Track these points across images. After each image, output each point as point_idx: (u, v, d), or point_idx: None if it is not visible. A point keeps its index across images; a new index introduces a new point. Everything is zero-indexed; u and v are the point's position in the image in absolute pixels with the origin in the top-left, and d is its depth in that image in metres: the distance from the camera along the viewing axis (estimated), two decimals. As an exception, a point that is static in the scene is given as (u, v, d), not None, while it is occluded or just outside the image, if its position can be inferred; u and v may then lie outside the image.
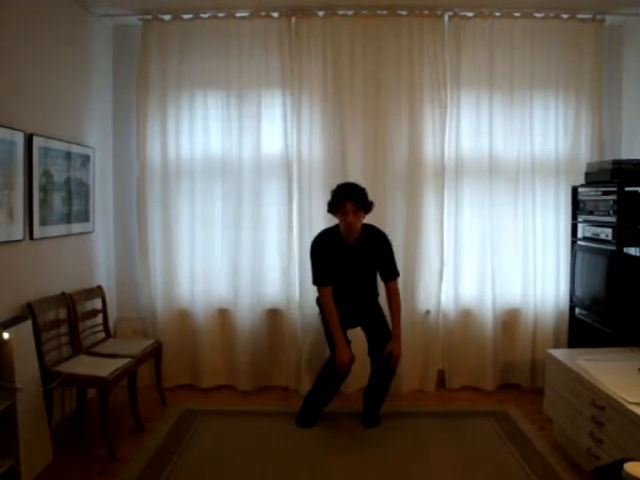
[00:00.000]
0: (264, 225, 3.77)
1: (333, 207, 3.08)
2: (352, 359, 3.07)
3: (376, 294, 3.26)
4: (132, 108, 3.82)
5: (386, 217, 3.71)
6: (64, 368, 2.83)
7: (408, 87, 3.69)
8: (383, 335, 3.14)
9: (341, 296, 3.14)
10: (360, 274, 3.17)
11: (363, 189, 3.09)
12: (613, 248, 3.09)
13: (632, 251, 3.31)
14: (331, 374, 3.13)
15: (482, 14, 3.67)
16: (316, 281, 3.15)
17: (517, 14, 3.68)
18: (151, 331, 3.81)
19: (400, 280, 3.68)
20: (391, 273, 3.19)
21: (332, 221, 3.24)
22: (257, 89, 3.73)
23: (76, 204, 3.40)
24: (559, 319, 3.76)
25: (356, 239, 3.12)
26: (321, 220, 3.55)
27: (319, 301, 3.18)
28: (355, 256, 3.12)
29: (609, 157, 3.64)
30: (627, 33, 3.78)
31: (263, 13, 3.67)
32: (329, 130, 3.72)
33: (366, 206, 3.07)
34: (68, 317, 3.13)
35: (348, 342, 3.15)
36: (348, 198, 2.99)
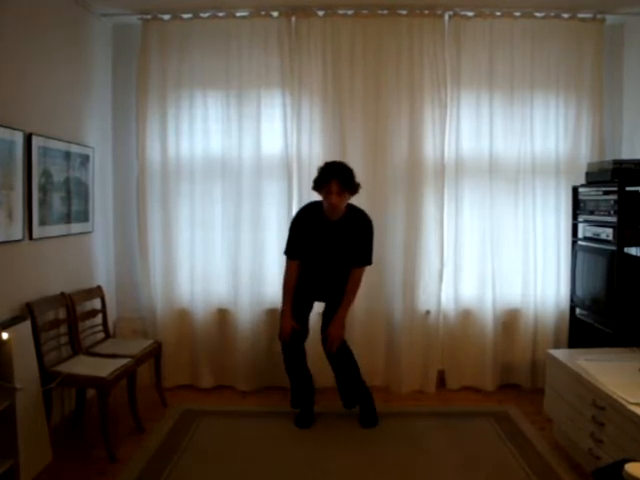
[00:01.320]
0: (264, 225, 3.77)
1: (318, 185, 3.06)
2: (294, 330, 3.11)
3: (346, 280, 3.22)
4: (132, 108, 3.82)
5: (386, 217, 3.71)
6: (63, 368, 2.83)
7: (408, 87, 3.68)
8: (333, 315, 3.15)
9: (313, 271, 3.17)
10: (335, 253, 3.15)
11: (350, 170, 3.05)
12: (614, 248, 3.09)
13: (633, 251, 3.30)
14: (284, 349, 3.20)
15: (482, 14, 3.67)
16: (288, 252, 3.18)
17: (517, 14, 3.67)
18: (151, 331, 3.81)
19: (400, 280, 3.71)
20: (362, 259, 3.14)
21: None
22: (257, 89, 3.73)
23: (75, 204, 3.39)
24: (559, 319, 3.76)
25: (339, 219, 3.10)
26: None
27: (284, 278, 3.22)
28: (334, 235, 3.11)
29: (610, 157, 3.63)
30: (628, 33, 3.78)
31: (263, 13, 3.67)
32: (329, 130, 3.72)
33: (352, 187, 3.03)
34: (67, 317, 3.13)
35: (309, 310, 3.24)
36: (334, 177, 2.96)
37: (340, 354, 3.15)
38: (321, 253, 3.15)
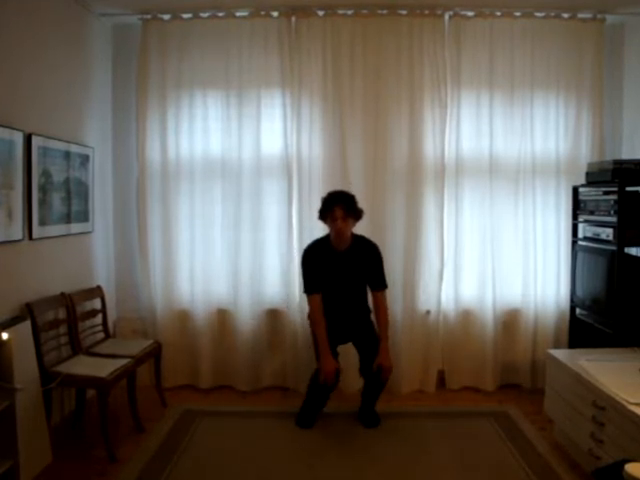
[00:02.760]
0: (264, 225, 3.77)
1: (323, 213, 3.12)
2: (338, 370, 3.05)
3: (367, 309, 3.25)
4: (131, 108, 3.82)
5: (386, 217, 3.70)
6: (63, 368, 2.83)
7: (408, 87, 3.68)
8: (374, 351, 3.09)
9: (331, 308, 3.15)
10: (350, 284, 3.17)
11: (352, 196, 3.12)
12: (614, 248, 3.09)
13: (633, 251, 3.30)
14: (318, 386, 3.12)
15: (482, 14, 3.67)
16: (307, 289, 3.16)
17: (517, 14, 3.67)
18: (151, 331, 3.80)
19: (400, 280, 3.70)
20: (379, 283, 3.18)
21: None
22: (257, 89, 3.73)
23: (75, 204, 3.39)
24: (560, 319, 3.76)
25: (346, 248, 3.13)
26: (325, 229, 3.54)
27: (310, 316, 3.18)
28: (345, 265, 3.13)
29: (610, 157, 3.63)
30: (628, 32, 3.78)
31: (263, 13, 3.66)
32: (329, 130, 3.71)
33: (355, 212, 3.10)
34: (67, 317, 3.13)
35: (336, 355, 3.14)
36: (337, 204, 3.04)
37: (382, 380, 3.13)
38: (336, 285, 3.16)
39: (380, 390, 3.21)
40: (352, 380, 3.59)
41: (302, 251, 3.27)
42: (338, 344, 3.21)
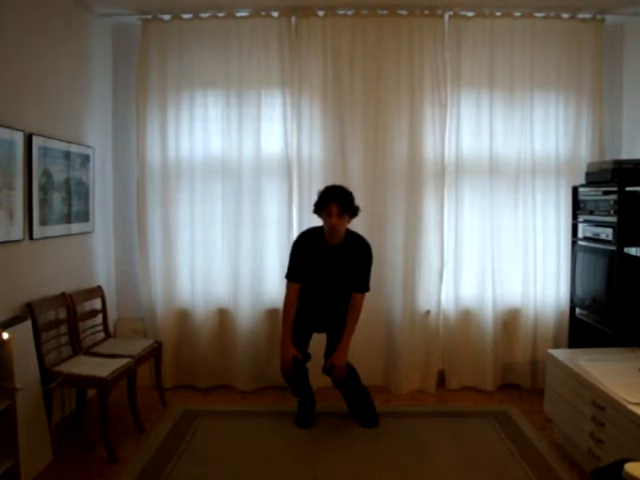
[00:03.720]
0: (264, 225, 3.77)
1: (318, 208, 3.11)
2: (297, 358, 3.06)
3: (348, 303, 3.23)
4: (132, 108, 3.82)
5: (386, 217, 3.71)
6: (64, 368, 2.83)
7: (408, 87, 3.68)
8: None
9: (313, 297, 3.17)
10: (334, 278, 3.16)
11: (350, 193, 3.10)
12: (613, 248, 3.09)
13: (632, 251, 3.30)
14: (286, 376, 3.15)
15: (482, 14, 3.67)
16: (289, 275, 3.18)
17: (517, 14, 3.67)
18: (151, 331, 3.81)
19: (400, 280, 3.71)
20: (360, 285, 3.16)
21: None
22: (257, 89, 3.73)
23: (76, 204, 3.39)
24: (559, 319, 3.76)
25: (338, 243, 3.13)
26: (320, 220, 3.55)
27: (284, 301, 3.20)
28: (333, 260, 3.13)
29: (609, 157, 3.64)
30: (627, 33, 3.78)
31: (263, 13, 3.67)
32: (329, 130, 3.72)
33: (351, 210, 3.09)
34: (68, 317, 3.13)
35: (308, 340, 3.21)
36: (333, 200, 3.02)
37: (347, 378, 3.14)
38: (320, 277, 3.16)
39: (352, 388, 3.20)
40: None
41: (295, 237, 3.28)
42: (314, 331, 3.26)
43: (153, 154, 3.77)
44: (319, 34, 3.67)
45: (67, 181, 3.29)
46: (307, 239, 3.20)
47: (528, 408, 3.42)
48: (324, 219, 3.09)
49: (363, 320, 3.70)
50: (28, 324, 2.72)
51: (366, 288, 3.18)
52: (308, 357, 3.21)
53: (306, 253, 3.15)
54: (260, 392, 3.77)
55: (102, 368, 2.82)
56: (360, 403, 3.23)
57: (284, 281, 3.72)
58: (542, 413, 3.13)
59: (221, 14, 3.70)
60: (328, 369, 3.09)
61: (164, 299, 3.82)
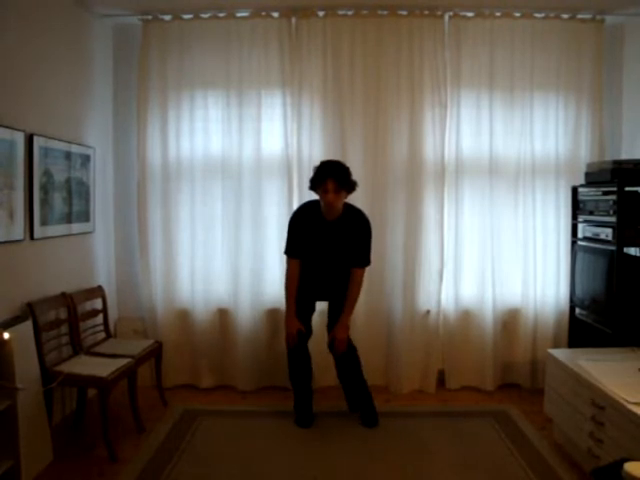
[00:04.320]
0: (264, 225, 3.78)
1: (314, 184, 3.06)
2: (301, 331, 3.12)
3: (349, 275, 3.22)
4: (132, 108, 3.82)
5: (386, 217, 3.71)
6: (64, 368, 2.83)
7: (408, 87, 3.69)
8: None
9: (314, 271, 3.18)
10: (334, 253, 3.14)
11: (347, 168, 3.06)
12: (613, 248, 3.09)
13: (632, 251, 3.30)
14: (290, 352, 3.20)
15: (482, 14, 3.67)
16: (287, 251, 3.19)
17: (517, 14, 3.68)
18: (151, 331, 3.81)
19: (400, 280, 3.71)
20: (361, 260, 3.14)
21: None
22: (257, 89, 3.73)
23: (76, 204, 3.40)
24: (559, 319, 3.76)
25: (336, 218, 3.10)
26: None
27: (285, 277, 3.22)
28: (332, 234, 3.11)
29: (609, 157, 3.64)
30: (627, 33, 3.78)
31: (263, 13, 3.67)
32: (329, 130, 3.72)
33: (349, 186, 3.04)
34: (68, 317, 3.13)
35: (311, 312, 3.26)
36: (330, 176, 2.96)
37: (346, 354, 3.17)
38: (319, 252, 3.15)
39: (352, 367, 3.21)
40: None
41: (292, 212, 3.28)
42: (317, 300, 3.30)
43: (153, 154, 3.78)
44: (319, 34, 3.68)
45: (68, 181, 3.29)
46: (304, 214, 3.17)
47: (528, 408, 3.42)
48: (320, 195, 3.05)
49: (363, 320, 3.73)
50: (29, 324, 2.72)
51: (366, 262, 3.16)
52: (310, 332, 3.24)
53: (304, 229, 3.13)
54: (260, 392, 3.78)
55: (102, 368, 2.83)
56: (359, 394, 3.23)
57: (284, 281, 3.75)
58: (542, 413, 3.13)
59: (221, 14, 3.70)
60: (330, 343, 3.13)
61: (164, 299, 3.82)
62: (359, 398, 3.24)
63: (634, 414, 2.14)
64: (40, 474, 2.60)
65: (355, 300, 3.16)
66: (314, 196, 3.51)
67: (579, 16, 3.69)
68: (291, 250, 3.18)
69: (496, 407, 3.49)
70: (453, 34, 3.70)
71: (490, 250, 3.76)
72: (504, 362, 3.83)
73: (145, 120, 3.75)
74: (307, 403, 3.24)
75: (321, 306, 3.42)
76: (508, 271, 3.79)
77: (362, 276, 3.16)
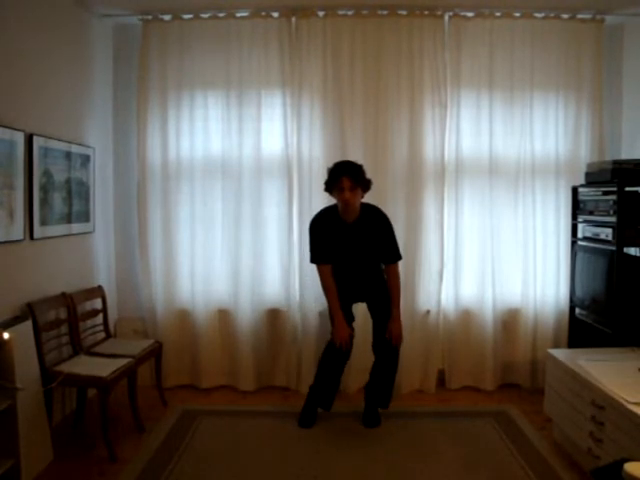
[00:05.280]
0: (264, 225, 3.78)
1: (330, 184, 3.05)
2: (351, 336, 3.10)
3: (381, 276, 3.21)
4: (132, 108, 3.82)
5: (386, 217, 3.71)
6: (64, 368, 2.83)
7: (408, 87, 3.69)
8: (386, 317, 3.15)
9: (343, 275, 3.15)
10: (361, 254, 3.13)
11: (360, 166, 3.06)
12: (613, 248, 3.09)
13: (632, 251, 3.30)
14: (333, 354, 3.15)
15: (482, 14, 3.67)
16: (313, 259, 3.15)
17: (517, 14, 3.68)
18: (151, 331, 3.81)
19: (400, 280, 3.70)
20: (391, 256, 3.15)
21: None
22: (257, 89, 3.73)
23: (76, 204, 3.40)
24: (559, 319, 3.76)
25: (355, 219, 3.09)
26: (333, 199, 3.55)
27: (321, 284, 3.17)
28: (354, 236, 3.09)
29: (609, 157, 3.64)
30: (627, 33, 3.78)
31: (263, 13, 3.67)
32: (329, 130, 3.72)
33: (364, 183, 3.04)
34: (68, 317, 3.13)
35: (352, 318, 3.20)
36: (344, 174, 2.96)
37: (394, 350, 3.17)
38: (345, 256, 3.13)
39: (393, 364, 3.21)
40: (353, 379, 3.61)
41: (310, 220, 3.22)
42: (353, 302, 3.26)
43: (153, 154, 3.78)
44: (319, 34, 3.68)
45: (68, 181, 3.29)
46: (323, 220, 3.14)
47: (528, 408, 3.42)
48: (337, 196, 3.03)
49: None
50: (28, 324, 2.72)
51: (397, 256, 3.16)
52: (353, 338, 3.19)
53: (325, 234, 3.10)
54: (261, 392, 3.78)
55: (102, 368, 2.83)
56: (386, 392, 3.23)
57: (284, 281, 3.77)
58: (542, 413, 3.13)
59: (221, 14, 3.70)
60: (375, 343, 3.16)
61: (164, 299, 3.82)
62: (383, 396, 3.22)
63: (634, 414, 2.14)
64: (40, 474, 2.60)
65: (399, 293, 3.16)
66: (315, 196, 3.52)
67: (579, 16, 3.69)
68: (317, 257, 3.13)
69: (496, 407, 3.49)
70: (453, 34, 3.70)
71: (490, 250, 3.76)
72: (504, 362, 3.83)
73: (145, 120, 3.75)
74: (330, 396, 3.23)
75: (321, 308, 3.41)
76: (508, 271, 3.79)
77: (397, 271, 3.17)
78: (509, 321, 3.83)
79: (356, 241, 3.10)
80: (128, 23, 3.80)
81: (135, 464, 2.71)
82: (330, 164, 3.67)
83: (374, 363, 3.25)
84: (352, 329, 3.16)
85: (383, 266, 3.21)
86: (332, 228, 3.10)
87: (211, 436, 3.05)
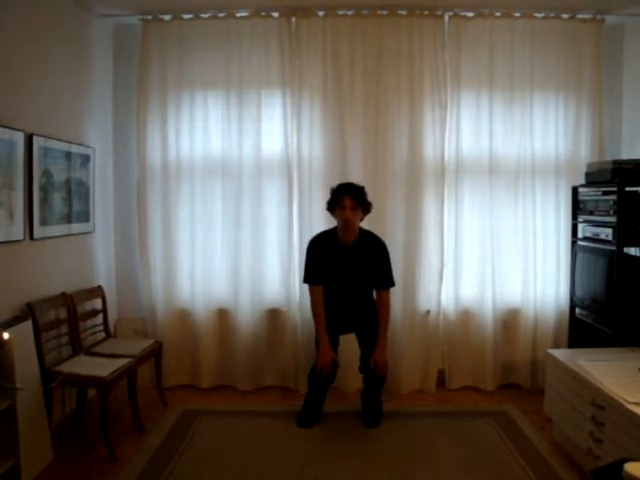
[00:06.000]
0: (264, 225, 3.78)
1: (332, 203, 3.12)
2: (335, 362, 3.09)
3: (373, 303, 3.23)
4: (132, 108, 3.82)
5: (386, 217, 3.71)
6: (64, 368, 2.83)
7: (408, 87, 3.69)
8: (373, 346, 3.14)
9: (335, 300, 3.16)
10: (354, 279, 3.16)
11: (362, 187, 3.13)
12: (613, 248, 3.09)
13: (632, 251, 3.30)
14: (316, 376, 3.14)
15: (482, 14, 3.67)
16: (306, 279, 3.18)
17: (517, 14, 3.68)
18: (151, 331, 3.81)
19: (400, 280, 3.69)
20: (384, 282, 3.18)
21: (332, 220, 3.25)
22: (257, 89, 3.73)
23: (76, 204, 3.40)
24: (559, 319, 3.76)
25: (353, 242, 3.12)
26: (321, 220, 3.56)
27: (311, 306, 3.19)
28: (351, 259, 3.12)
29: (609, 157, 3.64)
30: (627, 33, 3.78)
31: (263, 13, 3.67)
32: (329, 130, 3.72)
33: (364, 204, 3.10)
34: (68, 317, 3.13)
35: (336, 345, 3.17)
36: (346, 193, 3.04)
37: (380, 380, 3.18)
38: (339, 279, 3.15)
39: (379, 389, 3.22)
40: (352, 379, 3.61)
41: (309, 241, 3.26)
42: (341, 333, 3.25)
43: (153, 154, 3.78)
44: (319, 34, 3.68)
45: (67, 181, 3.29)
46: (321, 242, 3.19)
47: (528, 408, 3.42)
48: (338, 215, 3.09)
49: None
50: (28, 324, 2.72)
51: (390, 283, 3.19)
52: (337, 365, 3.16)
53: (322, 256, 3.15)
54: (260, 392, 3.78)
55: (102, 368, 2.83)
56: (375, 408, 3.23)
57: (284, 281, 3.77)
58: (542, 413, 3.13)
59: (221, 14, 3.70)
60: (362, 366, 3.16)
61: (164, 299, 3.82)
62: (373, 417, 3.21)
63: (634, 414, 2.14)
64: (40, 474, 2.60)
65: (387, 322, 3.17)
66: (315, 195, 3.51)
67: (579, 16, 3.69)
68: (311, 277, 3.16)
69: (496, 407, 3.49)
70: (453, 34, 3.70)
71: (490, 250, 3.76)
72: (504, 362, 3.83)
73: (145, 120, 3.75)
74: (317, 405, 3.23)
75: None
76: (508, 271, 3.79)
77: (389, 298, 3.19)
78: (509, 321, 3.83)
79: (352, 264, 3.13)
80: (128, 23, 3.80)
81: (135, 464, 2.71)
82: (330, 164, 3.71)
83: (364, 387, 3.26)
84: (336, 354, 3.15)
85: (375, 296, 3.20)
86: (330, 250, 3.14)
87: (211, 436, 3.05)
